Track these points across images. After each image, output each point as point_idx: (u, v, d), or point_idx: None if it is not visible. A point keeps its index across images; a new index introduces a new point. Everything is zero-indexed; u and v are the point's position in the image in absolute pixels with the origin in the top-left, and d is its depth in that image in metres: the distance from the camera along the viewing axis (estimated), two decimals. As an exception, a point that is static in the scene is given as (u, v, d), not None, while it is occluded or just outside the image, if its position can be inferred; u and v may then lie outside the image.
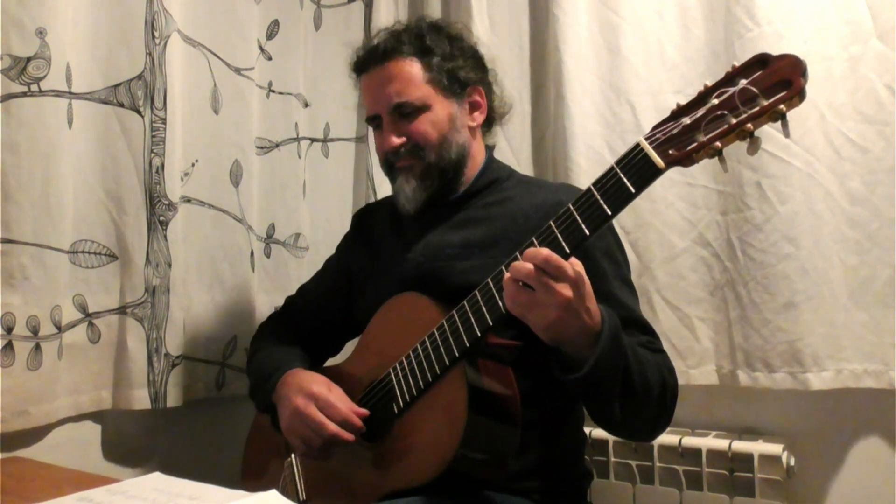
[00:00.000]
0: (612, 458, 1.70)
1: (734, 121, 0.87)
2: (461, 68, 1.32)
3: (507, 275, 0.98)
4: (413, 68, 1.29)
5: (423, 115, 1.29)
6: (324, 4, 2.02)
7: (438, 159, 1.29)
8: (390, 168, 1.34)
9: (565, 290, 0.95)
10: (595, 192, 0.98)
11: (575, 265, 0.97)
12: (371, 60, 1.32)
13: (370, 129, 1.60)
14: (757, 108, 0.86)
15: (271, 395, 1.31)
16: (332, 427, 1.18)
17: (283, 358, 1.36)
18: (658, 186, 1.68)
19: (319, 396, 1.21)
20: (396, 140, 1.29)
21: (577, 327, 0.98)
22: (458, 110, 1.32)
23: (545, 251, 0.95)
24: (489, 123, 1.41)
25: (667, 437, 1.65)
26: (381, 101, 1.31)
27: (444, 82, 1.30)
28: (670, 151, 0.92)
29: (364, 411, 1.20)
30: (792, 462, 1.57)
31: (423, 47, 1.30)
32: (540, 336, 1.01)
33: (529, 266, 0.95)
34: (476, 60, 1.37)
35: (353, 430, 1.18)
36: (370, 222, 1.50)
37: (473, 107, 1.35)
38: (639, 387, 1.07)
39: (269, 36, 1.84)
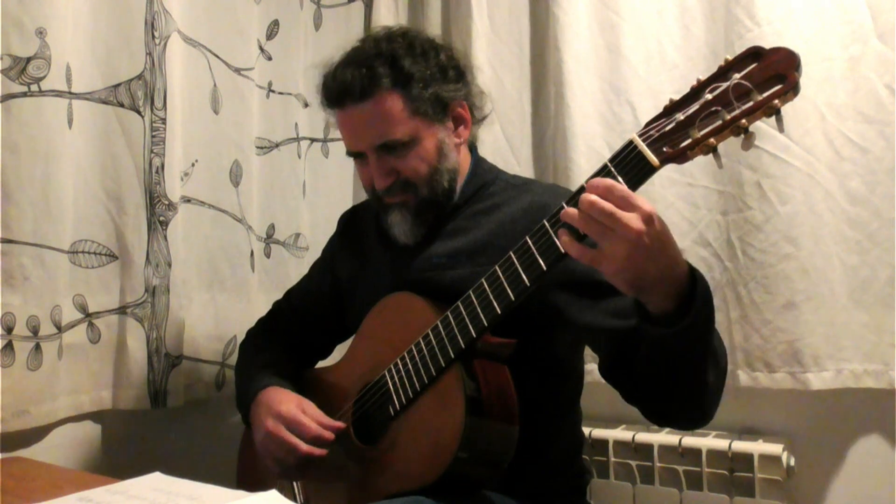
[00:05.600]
0: (612, 458, 1.70)
1: (728, 116, 0.86)
2: (442, 88, 1.21)
3: (568, 209, 0.89)
4: (395, 104, 1.18)
5: (411, 150, 1.20)
6: (324, 4, 2.02)
7: (431, 192, 1.22)
8: (378, 200, 1.26)
9: (634, 223, 0.85)
10: None
11: (646, 204, 0.87)
12: (346, 97, 1.20)
13: None
14: (751, 104, 0.85)
15: (248, 416, 1.31)
16: (304, 447, 1.18)
17: (259, 375, 1.34)
18: (658, 186, 1.68)
19: (288, 416, 1.20)
20: (386, 180, 1.21)
21: (655, 270, 0.88)
22: (445, 133, 1.23)
23: (608, 181, 0.87)
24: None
25: (666, 437, 1.65)
26: (363, 140, 1.21)
27: (429, 111, 1.20)
28: (664, 149, 0.90)
29: (339, 424, 1.20)
30: (792, 462, 1.56)
31: (402, 76, 1.18)
32: (616, 283, 0.91)
33: (593, 196, 0.86)
34: (455, 69, 1.25)
35: (327, 445, 1.19)
36: (356, 225, 1.46)
37: (458, 121, 1.25)
38: (719, 348, 1.00)
39: (269, 36, 1.84)
